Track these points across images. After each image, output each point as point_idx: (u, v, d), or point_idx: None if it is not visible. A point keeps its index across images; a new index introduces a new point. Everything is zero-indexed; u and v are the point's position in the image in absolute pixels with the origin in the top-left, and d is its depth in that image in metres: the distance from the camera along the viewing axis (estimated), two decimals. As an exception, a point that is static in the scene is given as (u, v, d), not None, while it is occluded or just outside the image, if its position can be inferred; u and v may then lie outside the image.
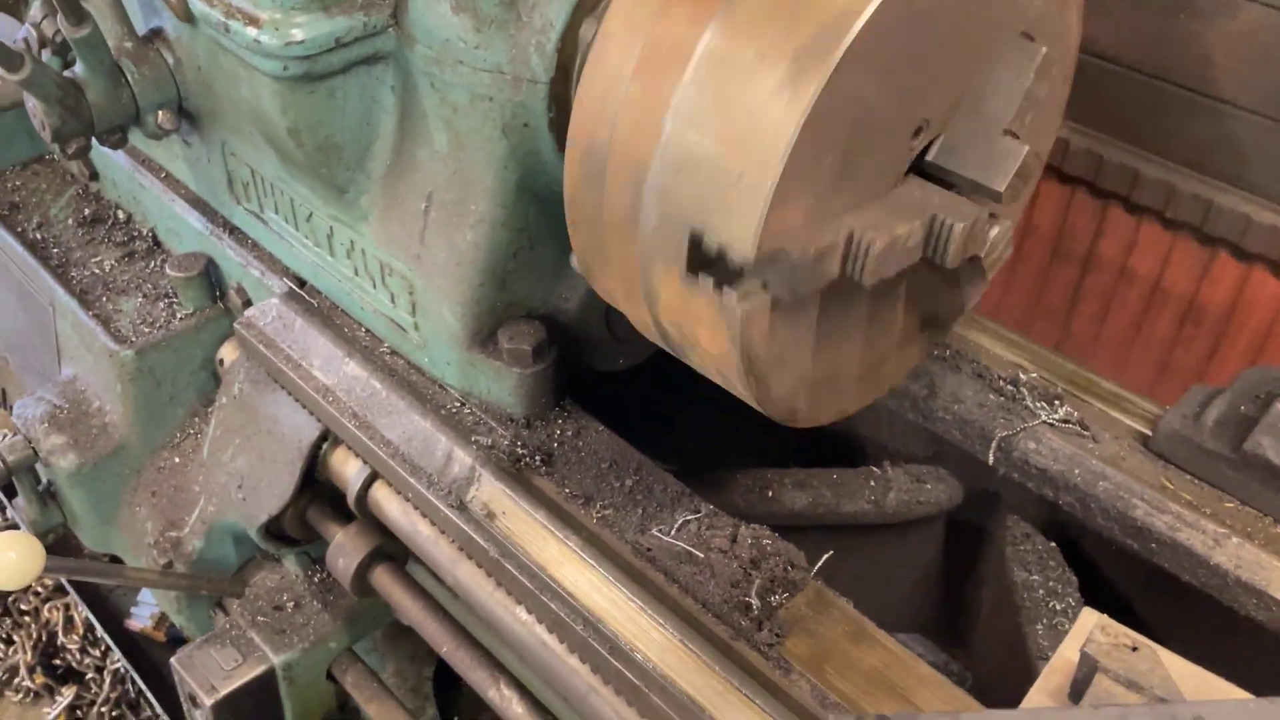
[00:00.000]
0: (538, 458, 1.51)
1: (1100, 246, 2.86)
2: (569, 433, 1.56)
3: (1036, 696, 0.88)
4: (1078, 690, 0.78)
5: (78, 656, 3.14)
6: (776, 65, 1.03)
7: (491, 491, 1.45)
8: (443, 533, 1.53)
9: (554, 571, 1.36)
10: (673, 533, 1.39)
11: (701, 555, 1.33)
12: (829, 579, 1.43)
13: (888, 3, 1.02)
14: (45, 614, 3.20)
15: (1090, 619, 0.82)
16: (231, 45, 1.42)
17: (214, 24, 1.41)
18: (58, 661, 3.13)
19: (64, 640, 3.16)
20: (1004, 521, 1.66)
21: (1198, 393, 1.54)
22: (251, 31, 1.36)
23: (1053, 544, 1.60)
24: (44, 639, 3.15)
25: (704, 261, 1.11)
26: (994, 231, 1.16)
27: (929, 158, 1.20)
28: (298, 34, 1.36)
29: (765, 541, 1.36)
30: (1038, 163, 1.20)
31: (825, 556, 1.39)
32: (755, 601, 1.29)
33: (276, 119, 1.48)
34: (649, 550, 1.37)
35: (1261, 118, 2.52)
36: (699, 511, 1.42)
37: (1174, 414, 1.53)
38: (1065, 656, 0.82)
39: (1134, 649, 0.77)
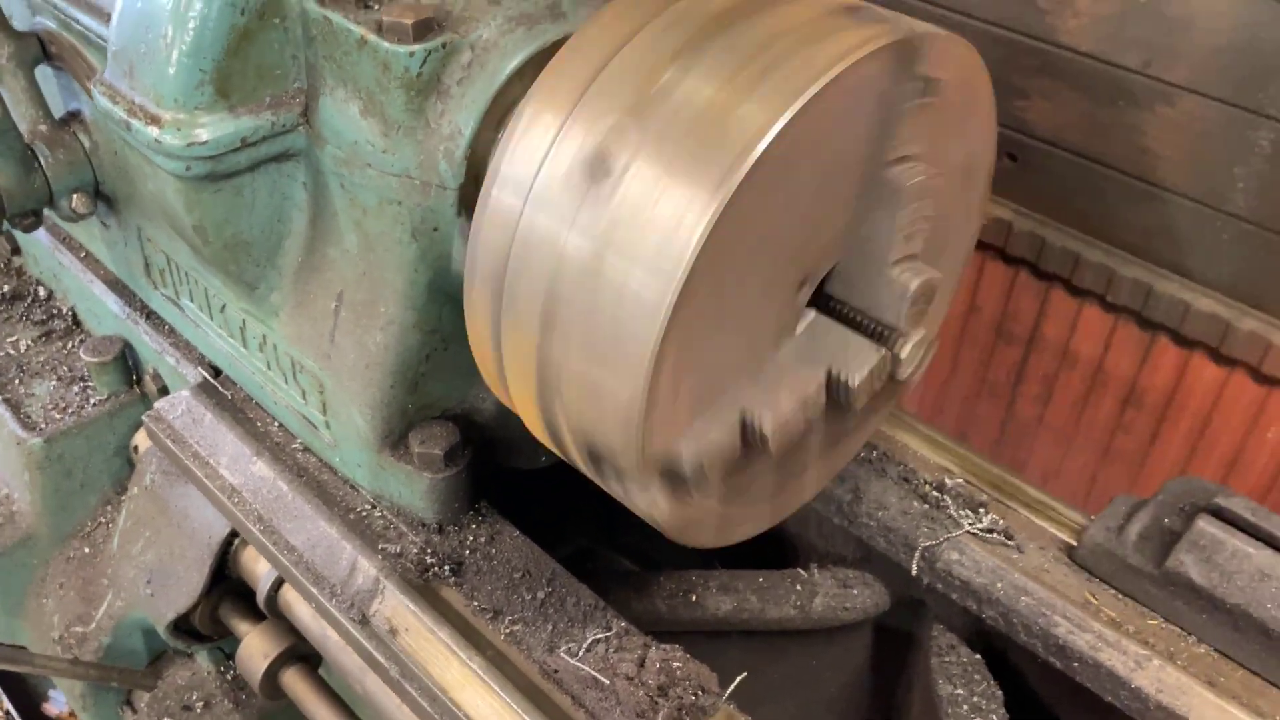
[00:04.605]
0: (447, 567, 1.46)
1: (1043, 328, 2.86)
2: (482, 539, 1.52)
3: None
4: None
5: (-1, 735, 3.03)
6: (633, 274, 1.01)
7: (395, 606, 1.40)
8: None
9: (455, 695, 1.30)
10: (581, 653, 1.34)
11: (608, 681, 1.28)
12: (755, 681, 1.39)
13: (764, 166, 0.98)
14: (-36, 690, 3.09)
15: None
16: (134, 142, 1.38)
17: (116, 121, 1.37)
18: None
19: (-16, 717, 3.05)
20: (931, 629, 1.62)
21: (1122, 504, 1.52)
22: (153, 131, 1.32)
23: (978, 656, 1.57)
24: (-38, 717, 3.04)
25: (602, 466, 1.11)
26: (906, 350, 1.12)
27: (827, 289, 1.17)
28: (201, 134, 1.32)
29: (675, 665, 1.31)
30: (941, 282, 1.17)
31: (740, 678, 1.34)
32: (661, 731, 1.24)
33: (182, 216, 1.44)
34: (556, 672, 1.32)
35: (1199, 205, 2.54)
36: (610, 630, 1.37)
37: (1098, 526, 1.50)
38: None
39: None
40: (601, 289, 1.03)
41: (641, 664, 1.30)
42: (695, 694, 1.29)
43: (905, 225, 1.10)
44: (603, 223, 1.05)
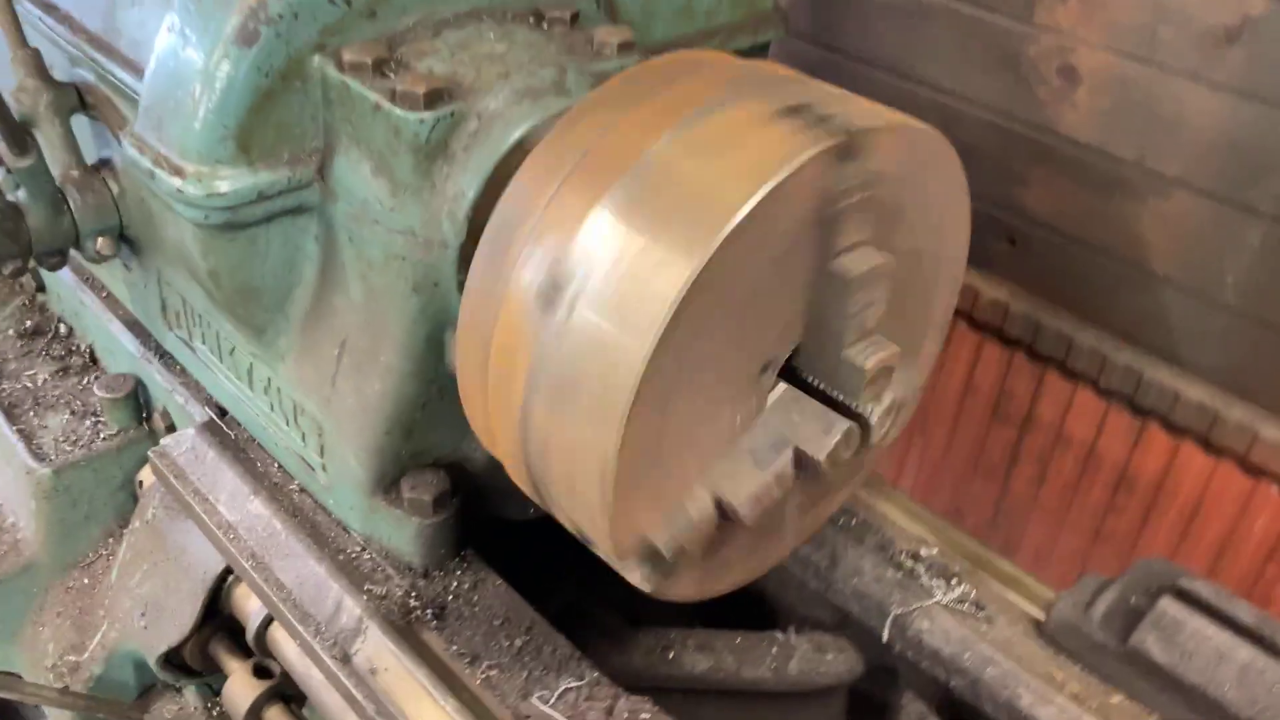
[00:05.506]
0: (429, 611, 1.50)
1: (1038, 409, 2.90)
2: (465, 585, 1.56)
3: None
4: None
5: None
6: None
7: (376, 646, 1.44)
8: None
9: (428, 734, 1.34)
10: (553, 700, 1.38)
11: (574, 728, 1.32)
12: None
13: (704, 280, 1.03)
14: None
15: None
16: (157, 190, 1.46)
17: (142, 170, 1.46)
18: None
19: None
20: (902, 698, 1.65)
21: (1091, 581, 1.55)
22: (175, 181, 1.41)
23: (946, 726, 1.59)
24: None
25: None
26: (875, 417, 1.17)
27: (793, 364, 1.21)
28: (222, 186, 1.40)
29: (644, 715, 1.35)
30: (904, 354, 1.20)
31: (706, 732, 1.38)
32: (625, 780, 1.28)
33: (198, 261, 1.51)
34: (528, 718, 1.36)
35: (1190, 295, 2.59)
36: (582, 679, 1.40)
37: (1066, 601, 1.53)
38: None
39: None
40: (574, 346, 1.09)
41: (610, 713, 1.34)
42: (661, 745, 1.32)
43: (856, 310, 1.14)
44: (582, 283, 1.12)
